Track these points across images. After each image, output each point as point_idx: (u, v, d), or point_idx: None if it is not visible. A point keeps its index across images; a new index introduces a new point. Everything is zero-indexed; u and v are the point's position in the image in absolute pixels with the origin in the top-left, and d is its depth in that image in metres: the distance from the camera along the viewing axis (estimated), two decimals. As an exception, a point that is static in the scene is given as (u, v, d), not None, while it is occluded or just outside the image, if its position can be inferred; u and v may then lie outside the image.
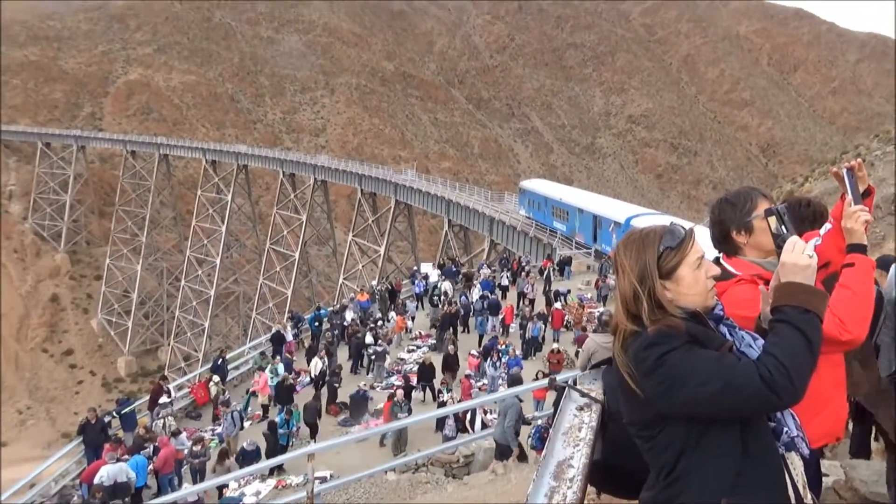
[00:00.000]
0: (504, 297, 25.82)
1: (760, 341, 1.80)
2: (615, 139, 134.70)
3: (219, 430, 16.39)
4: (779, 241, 2.01)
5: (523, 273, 26.93)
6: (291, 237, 61.43)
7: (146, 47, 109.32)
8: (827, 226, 2.49)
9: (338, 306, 26.94)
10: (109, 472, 11.63)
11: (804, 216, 2.91)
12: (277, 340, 21.72)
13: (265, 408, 17.92)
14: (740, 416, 1.71)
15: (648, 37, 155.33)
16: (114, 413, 16.79)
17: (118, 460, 12.11)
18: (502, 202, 46.19)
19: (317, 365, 19.07)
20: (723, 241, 2.44)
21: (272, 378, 17.67)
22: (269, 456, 13.54)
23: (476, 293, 24.26)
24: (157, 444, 13.67)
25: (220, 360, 20.32)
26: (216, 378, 19.10)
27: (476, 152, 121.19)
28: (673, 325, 1.70)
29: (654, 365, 1.68)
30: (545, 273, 27.13)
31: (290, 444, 14.73)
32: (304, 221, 57.65)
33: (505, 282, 27.07)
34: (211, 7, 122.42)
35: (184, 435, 14.93)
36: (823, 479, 4.14)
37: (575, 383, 2.54)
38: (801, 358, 1.68)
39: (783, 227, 2.05)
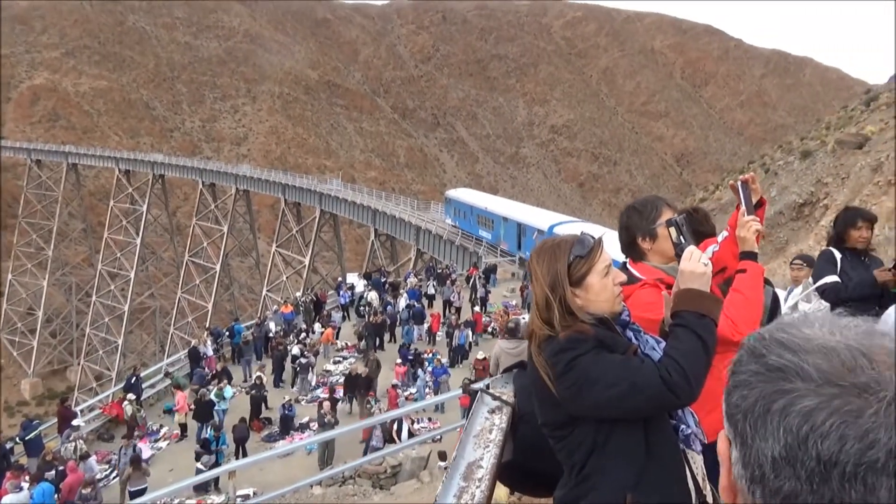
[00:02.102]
0: (430, 305, 25.87)
1: (663, 344, 1.90)
2: (538, 149, 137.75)
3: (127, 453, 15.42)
4: (678, 249, 2.13)
5: (448, 281, 27.08)
6: (212, 249, 59.56)
7: (53, 51, 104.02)
8: (724, 233, 2.63)
9: (259, 319, 26.32)
10: (12, 502, 10.89)
11: (696, 220, 3.16)
12: (194, 357, 20.96)
13: (183, 426, 17.25)
14: (643, 414, 1.79)
15: (569, 50, 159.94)
16: (17, 439, 15.75)
17: (21, 489, 11.37)
18: (428, 211, 46.36)
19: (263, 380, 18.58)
20: (629, 246, 2.54)
21: (220, 402, 16.85)
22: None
23: (402, 302, 24.20)
24: (62, 468, 12.89)
25: (134, 378, 19.38)
26: (131, 396, 18.22)
27: (402, 162, 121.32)
28: (582, 330, 1.79)
29: (565, 369, 1.75)
30: (471, 281, 27.35)
31: (220, 461, 14.24)
32: (226, 232, 56.03)
33: (431, 290, 27.14)
34: (124, 10, 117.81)
35: (93, 459, 14.16)
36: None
37: (488, 388, 2.57)
38: (697, 359, 1.78)
39: (682, 237, 2.16)
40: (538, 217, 33.14)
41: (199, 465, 13.42)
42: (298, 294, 33.52)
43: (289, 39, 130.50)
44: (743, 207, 2.43)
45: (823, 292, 4.40)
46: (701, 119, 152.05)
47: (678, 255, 2.06)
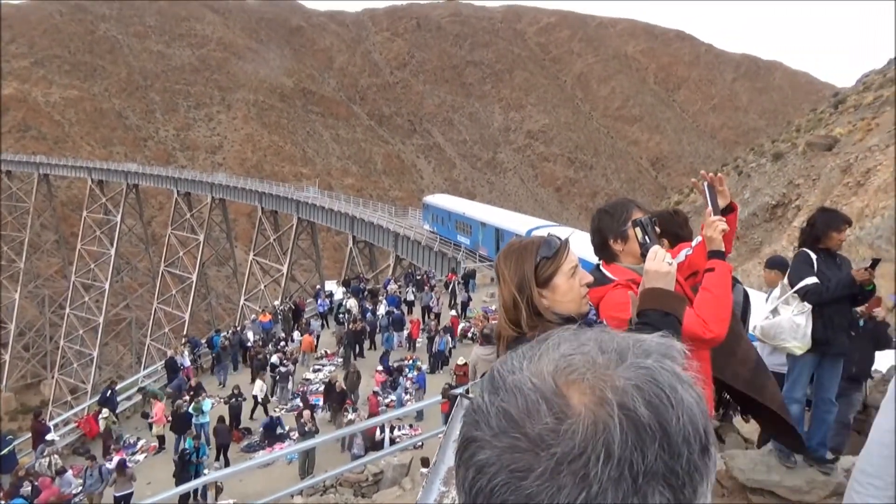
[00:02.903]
0: (410, 311, 25.85)
1: None
2: (515, 154, 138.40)
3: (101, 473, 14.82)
4: (643, 249, 2.18)
5: (426, 287, 27.10)
6: (188, 258, 58.90)
7: (22, 60, 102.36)
8: (698, 238, 2.69)
9: (237, 328, 26.10)
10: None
11: (677, 223, 3.19)
12: (171, 367, 20.70)
13: (161, 438, 17.03)
14: None
15: (543, 55, 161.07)
16: (-11, 455, 15.40)
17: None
18: (406, 217, 46.32)
19: (262, 388, 18.30)
20: (601, 248, 2.58)
21: (199, 417, 16.47)
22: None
23: (382, 309, 24.16)
24: (37, 484, 12.64)
25: (109, 391, 19.06)
26: (105, 413, 17.87)
27: (379, 168, 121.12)
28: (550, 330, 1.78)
29: None
30: (450, 287, 27.38)
31: (201, 472, 14.05)
32: (202, 241, 55.45)
33: (410, 297, 27.12)
34: (94, 19, 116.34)
35: (69, 473, 13.90)
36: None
37: (467, 392, 2.59)
38: None
39: (646, 237, 2.21)
40: (516, 222, 33.27)
41: (206, 471, 13.25)
42: (277, 302, 33.28)
43: (263, 47, 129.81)
44: (709, 208, 2.48)
45: (805, 294, 4.45)
46: (674, 123, 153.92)
47: (643, 255, 2.11)
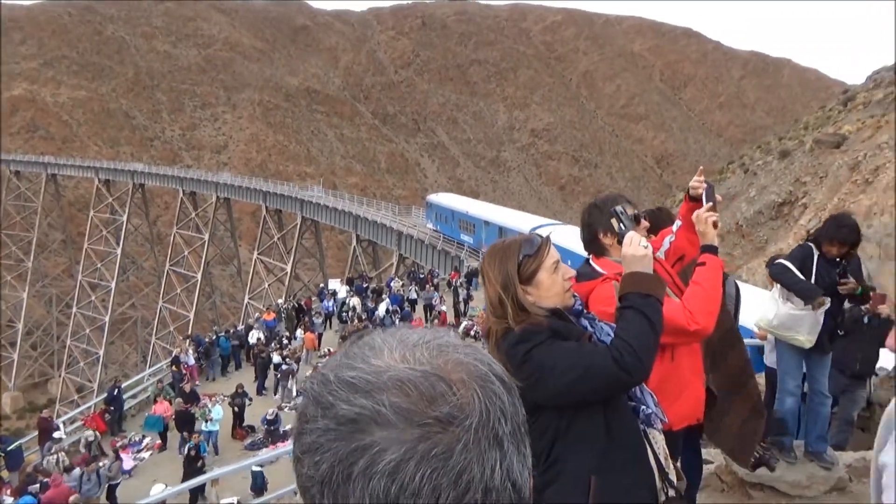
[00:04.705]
0: (413, 310, 25.88)
1: None
2: (519, 153, 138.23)
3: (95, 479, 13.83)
4: (619, 236, 2.27)
5: (428, 285, 27.13)
6: (193, 257, 59.09)
7: (31, 61, 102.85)
8: (678, 223, 2.72)
9: (241, 327, 26.14)
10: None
11: (662, 219, 3.28)
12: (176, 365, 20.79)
13: (163, 436, 17.08)
14: (601, 396, 1.87)
15: (548, 54, 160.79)
16: (-3, 452, 15.50)
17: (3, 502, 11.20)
18: (410, 216, 46.37)
19: None
20: (591, 242, 2.63)
21: (208, 424, 16.08)
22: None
23: (383, 307, 24.18)
24: (47, 481, 12.70)
25: (115, 390, 19.12)
26: (94, 435, 17.60)
27: (383, 167, 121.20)
28: (536, 322, 1.87)
29: (522, 360, 1.83)
30: (453, 285, 27.39)
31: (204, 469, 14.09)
32: (207, 241, 55.62)
33: (413, 295, 27.14)
34: (102, 20, 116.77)
35: (77, 470, 13.96)
36: (706, 465, 4.39)
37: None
38: (645, 337, 1.86)
39: (622, 225, 2.29)
40: (519, 220, 33.26)
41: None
42: (280, 301, 33.34)
43: (268, 47, 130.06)
44: (705, 205, 2.53)
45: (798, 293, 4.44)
46: (680, 121, 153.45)
47: (620, 242, 2.17)
